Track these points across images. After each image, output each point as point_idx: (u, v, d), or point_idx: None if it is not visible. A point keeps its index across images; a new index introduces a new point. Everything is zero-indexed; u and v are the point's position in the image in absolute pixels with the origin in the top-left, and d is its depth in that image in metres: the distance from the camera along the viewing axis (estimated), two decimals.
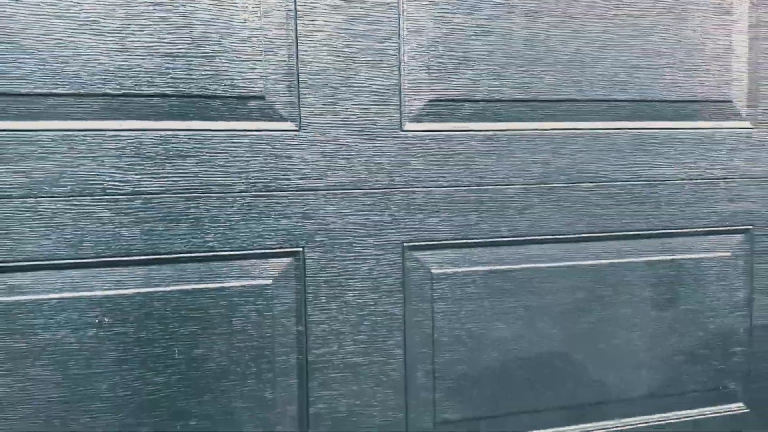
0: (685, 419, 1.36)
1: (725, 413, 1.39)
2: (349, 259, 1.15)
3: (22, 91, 0.98)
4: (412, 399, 1.20)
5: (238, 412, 1.12)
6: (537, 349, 1.26)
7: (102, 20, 1.01)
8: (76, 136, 1.01)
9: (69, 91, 1.00)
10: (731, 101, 1.32)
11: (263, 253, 1.11)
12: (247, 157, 1.08)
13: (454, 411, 1.22)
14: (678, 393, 1.35)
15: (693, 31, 1.29)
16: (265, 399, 1.13)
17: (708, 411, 1.38)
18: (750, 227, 1.36)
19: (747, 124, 1.34)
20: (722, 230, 1.35)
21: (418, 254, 1.19)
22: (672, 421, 1.36)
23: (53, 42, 0.99)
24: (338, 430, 1.16)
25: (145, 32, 1.02)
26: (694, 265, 1.34)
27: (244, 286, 1.11)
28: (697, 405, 1.38)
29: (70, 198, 1.01)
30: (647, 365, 1.33)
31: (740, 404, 1.41)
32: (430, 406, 1.21)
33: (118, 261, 1.05)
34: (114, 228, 1.04)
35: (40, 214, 1.00)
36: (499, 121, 1.20)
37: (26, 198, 1.00)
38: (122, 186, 1.03)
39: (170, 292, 1.07)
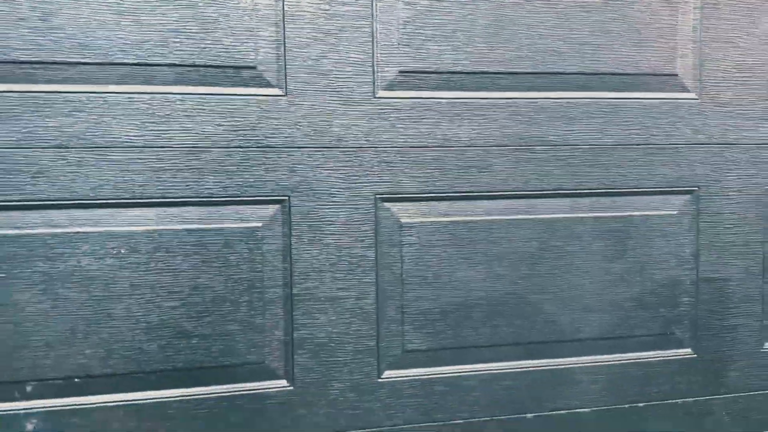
0: (634, 361, 1.52)
1: (673, 357, 1.55)
2: (329, 208, 1.34)
3: (57, 59, 1.20)
4: (383, 330, 1.39)
5: (233, 333, 1.32)
6: (496, 291, 1.43)
7: (121, 2, 1.22)
8: (101, 98, 1.23)
9: (95, 61, 1.22)
10: (677, 75, 1.47)
11: (255, 200, 1.31)
12: (240, 117, 1.28)
13: (421, 342, 1.41)
14: (627, 336, 1.51)
15: (640, 11, 1.44)
16: (255, 324, 1.33)
17: (656, 354, 1.54)
18: (695, 189, 1.51)
19: (692, 95, 1.49)
20: (669, 191, 1.50)
21: (389, 205, 1.38)
22: (622, 362, 1.52)
23: (82, 20, 1.21)
24: (318, 354, 1.36)
25: (156, 12, 1.23)
26: (642, 222, 1.50)
27: (238, 227, 1.31)
28: (646, 349, 1.53)
29: (95, 149, 1.23)
30: (598, 309, 1.49)
31: (688, 350, 1.56)
32: (399, 337, 1.40)
33: (134, 203, 1.26)
34: (130, 175, 1.25)
35: (70, 162, 1.22)
36: (462, 90, 1.38)
37: (59, 148, 1.22)
38: (137, 140, 1.25)
39: (176, 230, 1.28)
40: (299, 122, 1.31)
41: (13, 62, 1.19)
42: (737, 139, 1.52)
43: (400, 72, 1.35)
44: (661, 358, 1.54)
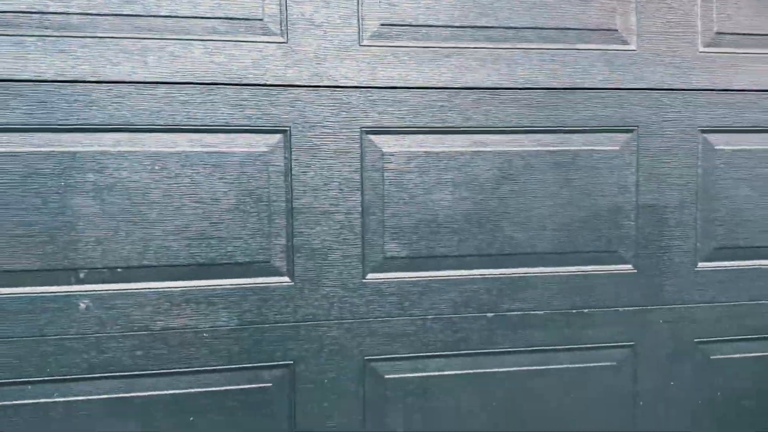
0: (582, 273, 1.80)
1: (615, 271, 1.82)
2: (321, 137, 1.64)
3: (123, 12, 1.52)
4: (366, 240, 1.69)
5: (245, 237, 1.63)
6: (461, 210, 1.72)
7: None
8: (141, 44, 1.54)
9: (140, 13, 1.53)
10: (617, 30, 1.74)
11: (262, 130, 1.62)
12: (249, 60, 1.59)
13: (398, 251, 1.71)
14: (576, 252, 1.79)
15: None
16: (263, 230, 1.64)
17: (601, 268, 1.81)
18: (635, 128, 1.78)
19: (632, 47, 1.76)
20: (612, 129, 1.77)
21: (372, 137, 1.67)
22: (570, 273, 1.80)
23: None
24: (314, 257, 1.66)
25: None
26: (589, 156, 1.77)
27: (249, 151, 1.62)
28: (593, 263, 1.81)
29: (136, 84, 1.55)
30: (551, 229, 1.77)
31: (629, 266, 1.83)
32: (380, 246, 1.70)
33: (165, 129, 1.57)
34: (164, 106, 1.56)
35: (116, 95, 1.54)
36: (433, 40, 1.67)
37: (108, 83, 1.53)
38: (168, 77, 1.56)
39: (199, 152, 1.59)
40: (298, 65, 1.61)
41: (98, 14, 1.51)
42: (671, 85, 1.78)
43: (382, 24, 1.64)
44: (606, 272, 1.82)
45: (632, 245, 1.82)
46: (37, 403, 1.57)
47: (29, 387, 1.57)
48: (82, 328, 1.57)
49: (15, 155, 1.52)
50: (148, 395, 1.62)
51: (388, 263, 1.71)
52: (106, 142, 1.56)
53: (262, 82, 1.60)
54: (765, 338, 1.92)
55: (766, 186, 1.86)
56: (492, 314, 1.77)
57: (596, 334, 1.82)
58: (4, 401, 1.56)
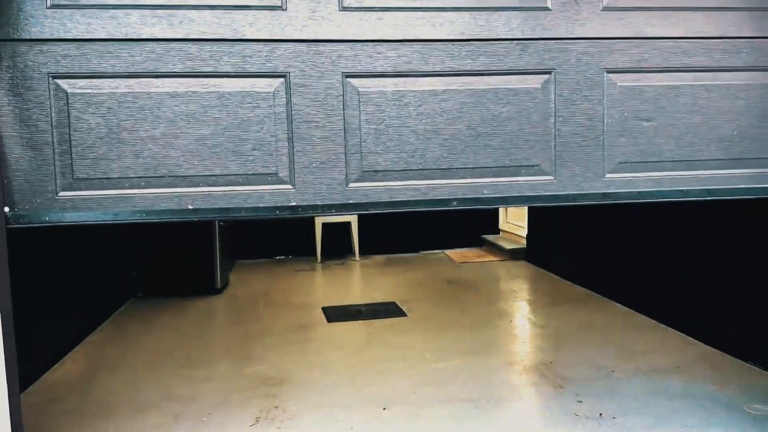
0: (517, 183, 2.37)
1: (537, 181, 2.39)
2: (312, 81, 2.21)
3: None
4: (348, 157, 2.26)
5: (259, 155, 2.21)
6: (431, 136, 2.29)
7: None
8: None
9: None
10: None
11: (269, 75, 2.19)
12: (260, 25, 2.15)
13: (374, 165, 2.28)
14: (511, 166, 2.36)
15: None
16: (271, 149, 2.22)
17: (535, 179, 2.38)
18: (552, 69, 2.34)
19: (549, 7, 2.31)
20: (533, 71, 2.33)
21: (351, 80, 2.24)
22: (512, 181, 2.37)
23: None
24: (310, 167, 2.24)
25: None
26: (521, 91, 2.33)
27: (260, 91, 2.19)
28: (528, 175, 2.38)
29: (177, 42, 2.12)
30: (492, 148, 2.34)
31: (550, 177, 2.40)
32: (359, 162, 2.27)
33: (200, 75, 2.14)
34: (200, 54, 2.13)
35: (162, 50, 2.11)
36: (400, 10, 2.23)
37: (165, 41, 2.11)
38: (210, 35, 2.13)
39: (230, 92, 2.17)
40: (294, 24, 2.17)
41: None
42: (576, 36, 2.33)
43: None
44: (535, 180, 2.38)
45: (554, 157, 2.38)
46: None
47: None
48: None
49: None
50: None
51: (367, 175, 2.28)
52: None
53: (270, 39, 2.16)
54: None
55: (656, 113, 2.42)
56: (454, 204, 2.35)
57: None
58: None
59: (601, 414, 3.06)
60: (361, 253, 7.32)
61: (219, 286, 5.71)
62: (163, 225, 5.41)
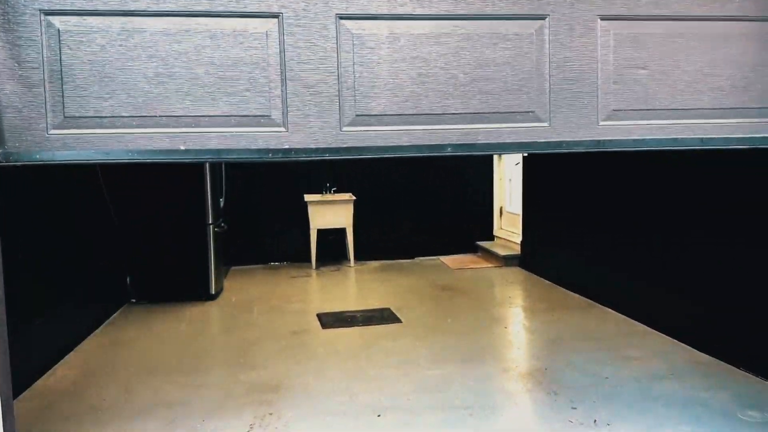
0: (512, 129, 2.37)
1: (534, 127, 2.38)
2: (306, 21, 2.20)
3: None
4: (342, 100, 2.25)
5: (252, 97, 2.20)
6: (423, 78, 2.28)
7: None
8: None
9: None
10: None
11: (263, 15, 2.17)
12: None
13: (364, 110, 2.27)
14: (505, 112, 2.35)
15: None
16: (263, 90, 2.20)
17: (527, 125, 2.38)
18: (547, 15, 2.33)
19: None
20: (526, 17, 2.33)
21: (345, 22, 2.23)
22: (509, 130, 2.37)
23: None
24: (303, 111, 2.21)
25: None
26: (513, 35, 2.33)
27: (254, 30, 2.17)
28: (522, 121, 2.37)
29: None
30: (486, 94, 2.33)
31: (545, 124, 2.38)
32: (352, 107, 2.26)
33: (195, 13, 2.12)
34: None
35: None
36: None
37: None
38: None
39: (224, 31, 2.15)
40: None
41: None
42: None
43: None
44: (529, 126, 2.38)
45: (549, 105, 2.36)
46: None
47: None
48: None
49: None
50: None
51: (359, 120, 2.28)
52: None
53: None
54: None
55: (650, 61, 2.40)
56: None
57: None
58: None
59: (595, 420, 3.06)
60: (356, 259, 7.30)
61: (213, 292, 5.68)
62: (157, 230, 5.40)
